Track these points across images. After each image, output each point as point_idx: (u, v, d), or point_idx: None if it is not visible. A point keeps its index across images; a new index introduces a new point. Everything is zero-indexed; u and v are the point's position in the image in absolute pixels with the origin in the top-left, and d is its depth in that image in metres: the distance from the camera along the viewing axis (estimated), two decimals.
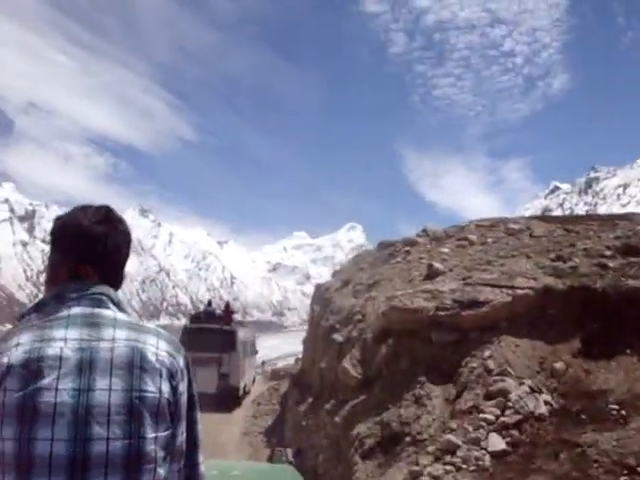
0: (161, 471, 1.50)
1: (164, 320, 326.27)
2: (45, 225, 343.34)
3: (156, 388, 1.50)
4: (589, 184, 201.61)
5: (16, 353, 1.40)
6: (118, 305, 1.61)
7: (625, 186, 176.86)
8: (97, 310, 1.55)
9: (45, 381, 1.37)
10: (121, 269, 1.70)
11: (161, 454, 1.50)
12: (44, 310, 1.54)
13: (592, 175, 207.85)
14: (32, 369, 1.38)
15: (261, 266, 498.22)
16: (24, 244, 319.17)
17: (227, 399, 17.76)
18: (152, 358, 1.53)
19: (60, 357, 1.41)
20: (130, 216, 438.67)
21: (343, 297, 13.92)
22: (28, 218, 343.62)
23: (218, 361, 17.74)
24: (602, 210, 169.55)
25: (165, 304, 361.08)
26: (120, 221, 1.71)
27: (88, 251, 1.62)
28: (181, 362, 1.62)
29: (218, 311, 21.02)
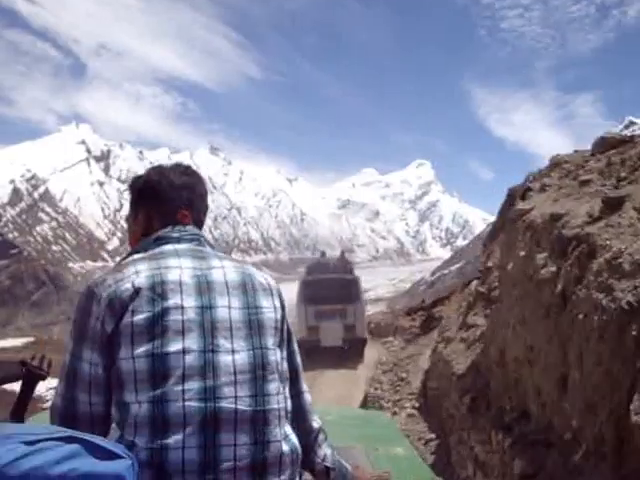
0: (282, 385, 1.57)
1: (235, 256, 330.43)
2: (120, 165, 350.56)
3: (270, 304, 1.61)
4: None
5: (139, 278, 1.48)
6: (211, 245, 1.75)
7: None
8: (198, 246, 1.67)
9: (171, 301, 1.46)
10: (204, 216, 1.84)
11: (281, 367, 1.58)
12: (146, 250, 1.64)
13: None
14: (158, 291, 1.47)
15: (330, 203, 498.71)
16: (101, 184, 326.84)
17: (354, 351, 16.82)
18: (262, 280, 1.64)
19: (180, 282, 1.50)
20: (201, 154, 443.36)
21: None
22: (104, 158, 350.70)
23: (342, 312, 16.92)
24: None
25: (237, 241, 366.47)
26: (198, 175, 1.86)
27: (181, 199, 1.74)
28: (279, 288, 1.71)
29: (333, 262, 20.31)
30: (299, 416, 1.69)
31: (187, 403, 1.40)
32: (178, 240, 1.66)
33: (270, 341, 1.56)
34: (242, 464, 1.42)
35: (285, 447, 1.50)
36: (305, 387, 1.76)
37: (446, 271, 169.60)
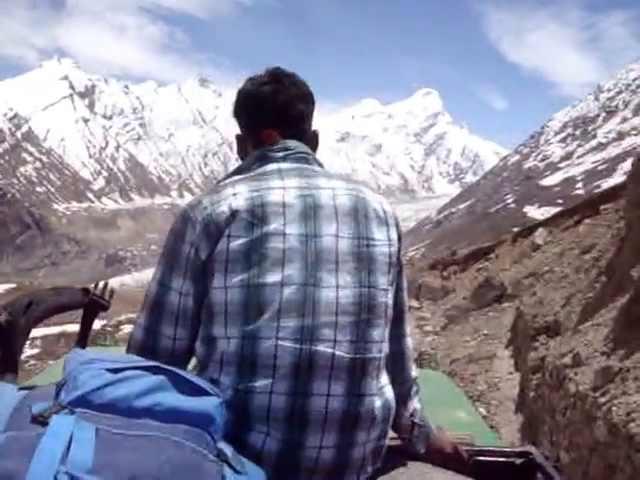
0: (386, 330, 1.47)
1: None
2: (105, 100, 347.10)
3: (385, 236, 1.50)
4: None
5: (237, 200, 1.40)
6: (320, 164, 1.64)
7: None
8: (305, 165, 1.57)
9: (272, 226, 1.38)
10: (302, 123, 1.69)
11: (389, 310, 1.48)
12: (250, 169, 1.57)
13: None
14: (257, 215, 1.38)
15: (328, 136, 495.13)
16: (85, 120, 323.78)
17: None
18: (377, 206, 1.53)
19: (283, 203, 1.41)
20: (190, 87, 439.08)
21: None
22: (88, 94, 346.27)
23: None
24: None
25: None
26: (288, 76, 1.71)
27: (260, 114, 1.65)
28: (397, 215, 1.62)
29: None
30: (397, 362, 1.62)
31: (280, 342, 1.32)
32: (283, 159, 1.57)
33: (380, 279, 1.45)
34: (333, 417, 1.34)
35: (378, 402, 1.42)
36: (409, 330, 1.68)
37: (454, 209, 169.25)
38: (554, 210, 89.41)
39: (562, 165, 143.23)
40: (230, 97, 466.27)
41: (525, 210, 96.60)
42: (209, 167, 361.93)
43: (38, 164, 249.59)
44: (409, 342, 1.67)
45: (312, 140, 1.71)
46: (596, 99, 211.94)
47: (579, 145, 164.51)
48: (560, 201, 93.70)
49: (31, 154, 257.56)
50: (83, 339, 1.85)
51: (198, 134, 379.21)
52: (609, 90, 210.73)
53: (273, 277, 1.34)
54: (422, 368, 9.36)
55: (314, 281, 1.36)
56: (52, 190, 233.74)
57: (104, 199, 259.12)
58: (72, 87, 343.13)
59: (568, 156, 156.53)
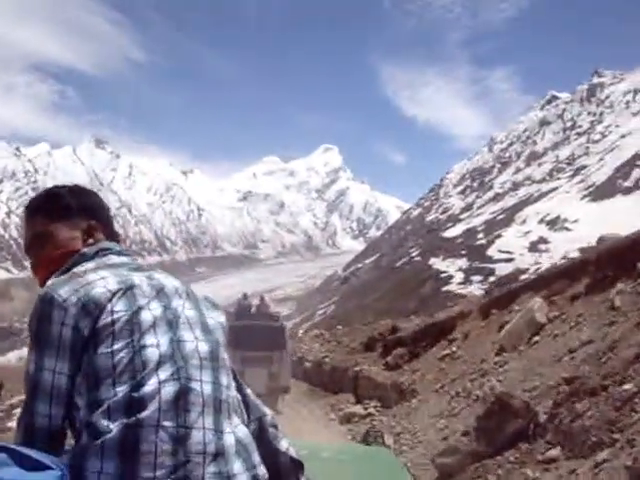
0: (231, 380, 1.79)
1: None
2: None
3: (212, 308, 1.89)
4: (592, 92, 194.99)
5: (109, 283, 1.67)
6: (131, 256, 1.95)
7: (635, 92, 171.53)
8: (135, 262, 1.89)
9: (142, 302, 1.67)
10: (113, 226, 2.02)
11: (228, 364, 1.81)
12: (92, 261, 1.81)
13: (595, 81, 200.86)
14: (129, 295, 1.66)
15: (230, 195, 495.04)
16: None
17: (274, 399, 17.35)
18: (195, 291, 1.90)
19: (141, 286, 1.72)
20: (85, 148, 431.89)
21: None
22: None
23: (268, 360, 17.63)
24: (609, 120, 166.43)
25: (128, 241, 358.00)
26: (94, 193, 2.06)
27: (104, 217, 1.99)
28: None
29: (254, 305, 20.92)
30: (245, 405, 1.89)
31: (162, 384, 1.57)
32: (119, 252, 1.89)
33: (220, 337, 1.82)
34: (209, 448, 1.56)
35: (233, 440, 1.64)
36: (245, 387, 1.97)
37: (360, 265, 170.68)
38: (459, 262, 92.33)
39: (463, 216, 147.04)
40: (127, 158, 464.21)
41: (430, 262, 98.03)
42: None
43: None
44: (248, 390, 1.96)
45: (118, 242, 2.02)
46: (490, 151, 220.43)
47: (477, 196, 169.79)
48: (464, 252, 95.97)
49: None
50: None
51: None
52: (502, 142, 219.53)
53: (150, 339, 1.63)
54: (368, 445, 9.27)
55: (178, 338, 1.68)
56: None
57: None
58: None
59: (468, 207, 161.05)
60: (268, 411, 1.96)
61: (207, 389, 1.64)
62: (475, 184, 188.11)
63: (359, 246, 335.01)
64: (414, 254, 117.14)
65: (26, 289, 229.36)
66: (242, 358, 16.95)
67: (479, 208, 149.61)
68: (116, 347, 1.58)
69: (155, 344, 1.62)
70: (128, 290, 1.67)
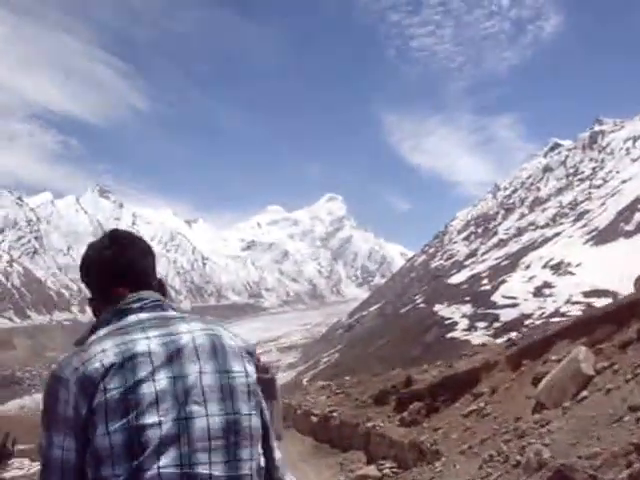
0: (254, 450, 1.72)
1: None
2: None
3: (242, 368, 1.75)
4: (594, 139, 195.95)
5: (107, 357, 1.60)
6: (173, 308, 1.85)
7: (635, 139, 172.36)
8: (161, 313, 1.79)
9: (142, 374, 1.58)
10: (147, 277, 1.91)
11: (254, 432, 1.72)
12: (106, 326, 1.75)
13: (596, 129, 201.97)
14: (128, 367, 1.59)
15: (234, 245, 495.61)
16: None
17: None
18: (231, 342, 1.78)
19: (149, 352, 1.62)
20: (89, 198, 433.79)
21: None
22: None
23: None
24: (610, 167, 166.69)
25: None
26: (125, 237, 1.95)
27: (107, 277, 1.86)
28: (254, 348, 1.88)
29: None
30: (270, 472, 1.88)
31: (162, 471, 1.52)
32: (140, 309, 1.77)
33: (243, 406, 1.70)
34: None
35: None
36: (275, 443, 1.93)
37: (365, 312, 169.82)
38: (464, 308, 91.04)
39: (467, 263, 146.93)
40: (131, 207, 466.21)
41: (435, 309, 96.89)
42: None
43: None
44: (278, 453, 1.92)
45: (160, 288, 1.92)
46: (494, 197, 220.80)
47: (482, 242, 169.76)
48: (468, 298, 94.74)
49: None
50: None
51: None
52: (505, 188, 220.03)
53: (150, 418, 1.55)
54: None
55: (185, 415, 1.59)
56: None
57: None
58: None
59: (472, 253, 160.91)
60: (289, 478, 1.93)
61: (217, 472, 1.60)
62: (479, 230, 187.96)
63: (364, 294, 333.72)
64: (419, 301, 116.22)
65: (28, 338, 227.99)
66: None
67: (483, 254, 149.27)
68: (111, 428, 1.55)
69: (156, 423, 1.56)
70: (127, 362, 1.60)
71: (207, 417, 1.62)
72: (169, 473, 1.53)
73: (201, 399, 1.63)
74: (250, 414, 1.72)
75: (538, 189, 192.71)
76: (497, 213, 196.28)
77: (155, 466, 1.53)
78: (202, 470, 1.57)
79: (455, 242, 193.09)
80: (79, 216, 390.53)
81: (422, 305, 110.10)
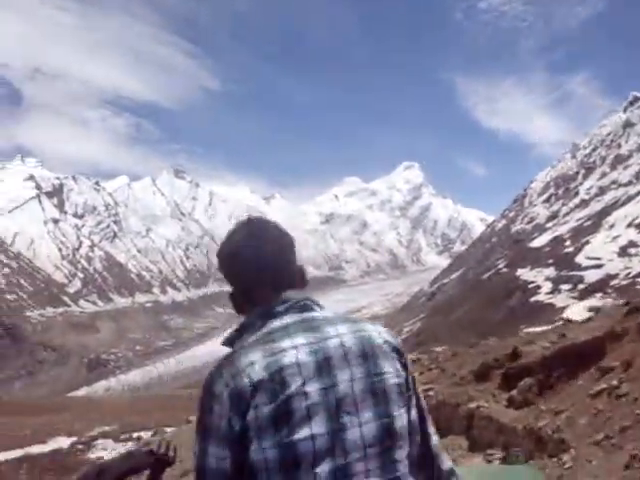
0: (410, 447, 1.70)
1: (212, 287, 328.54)
2: (75, 199, 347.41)
3: (392, 368, 1.70)
4: None
5: (255, 371, 1.59)
6: (319, 305, 1.80)
7: None
8: (307, 315, 1.74)
9: (292, 388, 1.56)
10: (289, 271, 1.84)
11: (407, 429, 1.69)
12: (252, 330, 1.73)
13: None
14: (277, 380, 1.57)
15: (313, 219, 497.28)
16: (55, 221, 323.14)
17: None
18: (380, 342, 1.71)
19: (298, 364, 1.60)
20: (165, 179, 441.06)
21: None
22: (56, 193, 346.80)
23: None
24: None
25: (212, 269, 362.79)
26: (264, 229, 1.86)
27: (248, 274, 1.81)
28: (400, 342, 1.80)
29: None
30: (427, 461, 1.80)
31: None
32: (286, 311, 1.73)
33: (396, 408, 1.66)
34: None
35: None
36: (432, 429, 1.84)
37: (446, 280, 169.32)
38: (547, 271, 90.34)
39: (549, 225, 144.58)
40: (207, 186, 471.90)
41: (517, 273, 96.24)
42: (191, 260, 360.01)
43: (7, 270, 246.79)
44: (435, 439, 1.83)
45: (300, 278, 1.86)
46: (573, 157, 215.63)
47: (563, 204, 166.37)
48: (551, 261, 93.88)
49: None
50: None
51: (177, 227, 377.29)
52: (585, 147, 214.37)
53: (303, 433, 1.54)
54: (510, 464, 8.67)
55: (339, 426, 1.57)
56: (24, 296, 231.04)
57: (81, 302, 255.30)
58: (39, 187, 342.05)
59: (553, 216, 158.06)
60: (447, 464, 1.86)
61: (375, 476, 1.59)
62: (560, 192, 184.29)
63: (444, 261, 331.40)
64: (500, 266, 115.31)
65: (112, 321, 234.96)
66: None
67: (565, 216, 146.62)
68: (265, 445, 1.56)
69: (309, 437, 1.55)
70: (276, 375, 1.58)
71: (360, 427, 1.60)
72: None
73: (353, 409, 1.61)
74: (402, 414, 1.68)
75: (619, 146, 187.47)
76: (577, 173, 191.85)
77: None
78: None
79: (535, 205, 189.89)
80: (156, 198, 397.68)
81: (504, 270, 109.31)
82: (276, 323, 1.71)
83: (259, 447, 1.56)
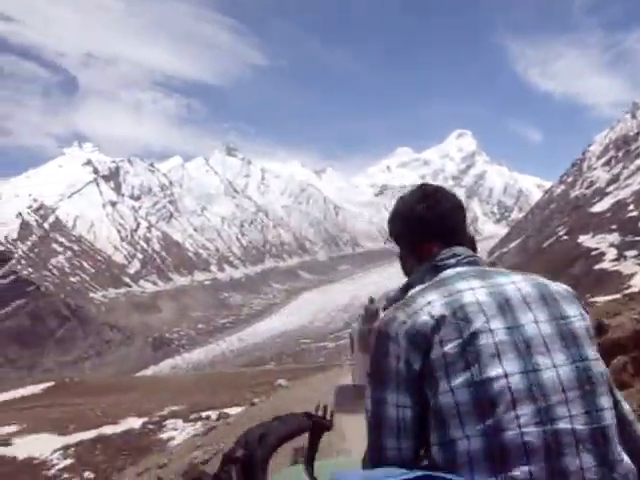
0: (610, 397, 1.57)
1: (269, 263, 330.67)
2: (132, 181, 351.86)
3: (577, 312, 1.61)
4: None
5: (435, 308, 1.54)
6: (489, 264, 1.77)
7: None
8: (478, 267, 1.72)
9: (477, 325, 1.50)
10: (459, 234, 1.84)
11: (606, 377, 1.57)
12: (420, 284, 1.70)
13: None
14: (460, 317, 1.51)
15: (366, 191, 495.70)
16: (113, 204, 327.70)
17: None
18: (558, 289, 1.65)
19: (478, 302, 1.54)
20: (217, 158, 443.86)
21: None
22: (113, 177, 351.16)
23: None
24: None
25: (268, 246, 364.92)
26: (437, 191, 1.87)
27: (419, 232, 1.82)
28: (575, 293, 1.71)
29: (380, 308, 22.09)
30: (623, 427, 1.63)
31: (524, 430, 1.41)
32: (456, 264, 1.72)
33: (589, 351, 1.56)
34: None
35: (628, 467, 1.49)
36: (620, 395, 1.70)
37: (505, 249, 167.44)
38: (610, 237, 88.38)
39: (610, 189, 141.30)
40: (259, 163, 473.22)
41: (580, 240, 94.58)
42: (247, 237, 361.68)
43: (69, 253, 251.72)
44: (626, 405, 1.70)
45: (471, 242, 1.86)
46: (634, 117, 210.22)
47: (624, 167, 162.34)
48: (614, 227, 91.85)
49: (61, 244, 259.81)
50: (310, 460, 2.00)
51: (231, 205, 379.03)
52: None
53: (494, 371, 1.45)
54: None
55: (532, 367, 1.48)
56: (87, 278, 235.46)
57: (142, 282, 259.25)
58: (96, 171, 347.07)
59: (614, 179, 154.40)
60: None
61: (579, 423, 1.46)
62: (620, 154, 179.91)
63: (502, 230, 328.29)
64: (561, 233, 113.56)
65: (172, 300, 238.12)
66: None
67: (627, 179, 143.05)
68: (454, 384, 1.47)
69: (502, 375, 1.46)
70: (457, 312, 1.53)
71: (555, 368, 1.50)
72: (531, 432, 1.42)
73: (544, 349, 1.51)
74: (597, 359, 1.58)
75: None
76: (638, 134, 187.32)
77: (514, 425, 1.42)
78: (563, 425, 1.44)
79: (595, 168, 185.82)
80: (209, 177, 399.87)
81: (565, 237, 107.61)
82: (448, 272, 1.69)
83: (447, 388, 1.48)
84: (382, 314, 1.68)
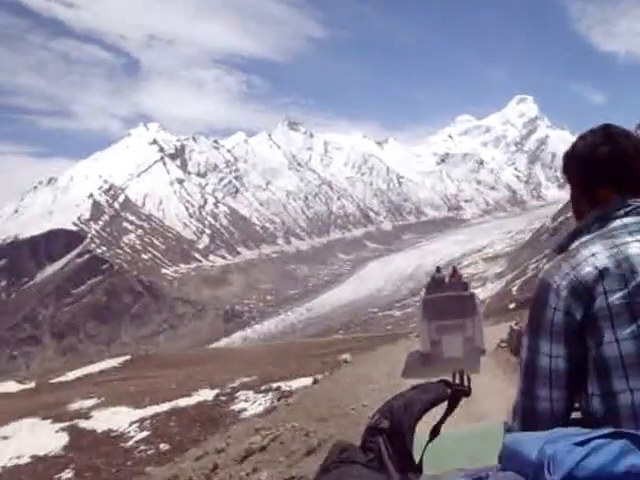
0: None
1: (334, 234, 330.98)
2: (197, 158, 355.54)
3: None
4: None
5: (599, 260, 1.51)
6: None
7: None
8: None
9: None
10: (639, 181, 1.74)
11: None
12: (587, 232, 1.65)
13: None
14: (625, 268, 1.47)
15: (428, 160, 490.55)
16: (180, 181, 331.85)
17: (473, 361, 18.21)
18: None
19: None
20: (279, 132, 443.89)
21: None
22: (179, 155, 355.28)
23: (462, 326, 18.82)
24: None
25: (333, 217, 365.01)
26: (622, 135, 1.75)
27: (597, 176, 1.73)
28: None
29: (446, 276, 22.42)
30: None
31: None
32: (625, 215, 1.64)
33: None
34: None
35: None
36: None
37: (569, 214, 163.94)
38: None
39: None
40: (321, 136, 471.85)
41: None
42: (312, 210, 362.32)
43: (140, 231, 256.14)
44: None
45: None
46: None
47: None
48: None
49: (132, 222, 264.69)
50: (440, 426, 1.94)
51: (295, 178, 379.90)
52: None
53: None
54: None
55: None
56: (158, 255, 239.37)
57: (211, 256, 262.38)
58: (162, 150, 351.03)
59: None
60: None
61: None
62: None
63: (566, 195, 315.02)
64: None
65: (242, 273, 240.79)
66: (437, 327, 18.76)
67: None
68: (619, 335, 1.42)
69: None
70: (622, 264, 1.48)
71: None
72: None
73: None
74: None
75: None
76: None
77: None
78: None
79: None
80: (273, 151, 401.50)
81: None
82: (615, 223, 1.62)
83: (612, 339, 1.43)
84: (546, 265, 1.65)
